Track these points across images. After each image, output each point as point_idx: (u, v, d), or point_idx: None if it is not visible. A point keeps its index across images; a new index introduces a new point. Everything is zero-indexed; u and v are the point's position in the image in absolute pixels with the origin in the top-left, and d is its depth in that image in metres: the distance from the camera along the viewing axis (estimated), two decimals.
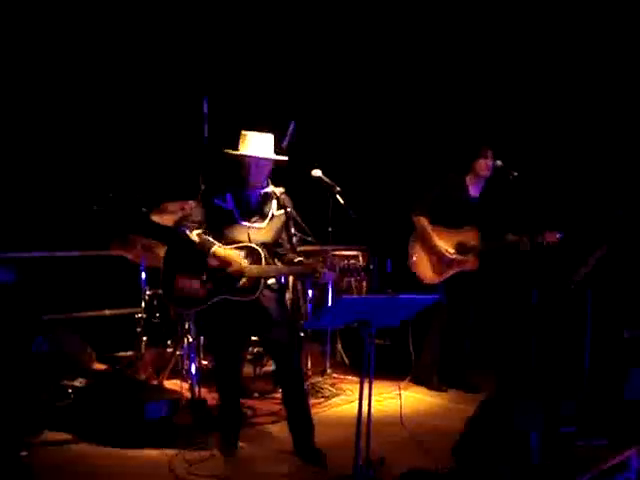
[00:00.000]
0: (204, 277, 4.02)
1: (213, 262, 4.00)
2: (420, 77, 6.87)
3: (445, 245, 5.43)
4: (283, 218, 4.17)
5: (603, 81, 5.99)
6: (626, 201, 5.35)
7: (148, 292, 5.37)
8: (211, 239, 4.03)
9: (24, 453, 3.89)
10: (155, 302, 5.45)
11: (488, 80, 6.53)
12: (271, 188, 4.17)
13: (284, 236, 4.19)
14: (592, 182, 5.93)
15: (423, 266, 5.49)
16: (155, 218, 5.19)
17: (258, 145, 4.10)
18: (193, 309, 4.21)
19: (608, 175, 5.89)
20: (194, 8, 6.48)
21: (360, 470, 3.36)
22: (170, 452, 4.07)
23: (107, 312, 5.88)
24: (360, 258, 6.00)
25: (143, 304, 5.27)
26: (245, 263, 3.99)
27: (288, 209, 4.14)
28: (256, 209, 4.15)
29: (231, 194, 4.12)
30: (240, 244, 4.06)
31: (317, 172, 4.16)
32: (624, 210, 5.16)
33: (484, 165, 5.38)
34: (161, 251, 5.23)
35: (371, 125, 7.08)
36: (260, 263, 4.02)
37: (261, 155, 4.08)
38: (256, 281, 4.01)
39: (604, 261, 4.90)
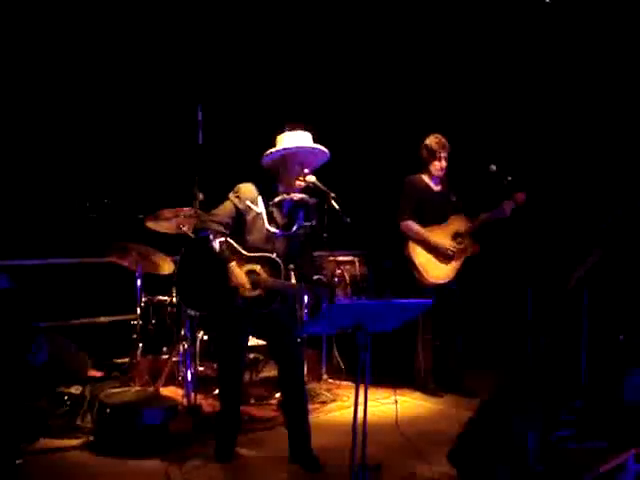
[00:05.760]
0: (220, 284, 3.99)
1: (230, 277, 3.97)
2: (407, 81, 6.91)
3: (443, 240, 5.47)
4: (308, 230, 4.16)
5: (597, 81, 6.01)
6: (623, 203, 5.36)
7: (144, 299, 5.36)
8: (235, 246, 4.00)
9: (19, 461, 3.88)
10: (151, 309, 5.45)
11: (476, 84, 6.57)
12: (303, 195, 4.14)
13: (306, 248, 4.19)
14: (589, 183, 5.95)
15: (430, 268, 5.49)
16: (151, 224, 5.19)
17: (298, 139, 4.04)
18: (206, 312, 4.19)
19: (606, 177, 5.90)
20: (189, 19, 6.50)
21: (356, 476, 3.35)
22: (167, 459, 4.07)
23: (103, 319, 5.88)
24: (356, 263, 6.01)
25: (139, 311, 5.26)
26: (250, 291, 3.95)
27: (314, 222, 4.14)
28: (284, 217, 4.13)
29: (264, 198, 4.09)
30: (262, 254, 4.03)
31: (311, 178, 4.16)
32: (622, 211, 5.17)
33: (438, 166, 5.52)
34: (157, 258, 5.25)
35: (364, 130, 7.09)
36: (279, 276, 3.98)
37: (303, 144, 4.02)
38: (272, 294, 3.98)
39: (601, 261, 4.91)
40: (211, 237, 3.98)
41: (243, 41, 6.77)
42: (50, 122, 6.09)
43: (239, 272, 3.95)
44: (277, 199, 4.10)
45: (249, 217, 4.06)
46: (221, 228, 4.02)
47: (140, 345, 5.24)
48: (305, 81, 6.94)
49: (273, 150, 4.06)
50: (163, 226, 5.17)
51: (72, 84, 6.15)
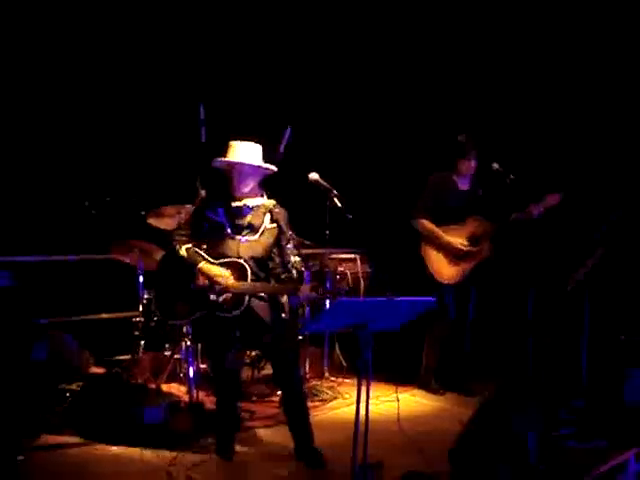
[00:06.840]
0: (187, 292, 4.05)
1: (200, 278, 4.02)
2: (411, 78, 6.89)
3: (455, 239, 5.44)
4: (275, 232, 4.14)
5: (601, 80, 6.00)
6: (625, 203, 5.36)
7: (146, 296, 5.36)
8: (201, 252, 4.06)
9: (21, 457, 3.88)
10: (152, 306, 5.43)
11: (480, 80, 6.55)
12: (263, 200, 4.16)
13: (275, 250, 4.17)
14: (591, 183, 5.94)
15: (441, 267, 5.46)
16: (152, 222, 5.19)
17: (242, 152, 4.08)
18: (179, 321, 4.25)
19: (607, 177, 5.89)
20: (191, 17, 6.50)
21: (358, 473, 3.35)
22: (168, 456, 4.07)
23: (105, 316, 5.88)
24: (358, 261, 6.00)
25: (141, 308, 5.26)
26: (232, 280, 3.98)
27: (281, 223, 4.13)
28: (248, 222, 4.13)
29: (223, 206, 4.12)
30: (227, 259, 4.05)
31: (314, 175, 4.17)
32: (623, 212, 5.16)
33: (468, 165, 5.47)
34: (159, 255, 5.25)
35: (366, 128, 7.08)
36: (245, 279, 3.99)
37: (244, 161, 4.05)
38: (240, 297, 3.99)
39: (602, 262, 4.90)
40: (176, 246, 4.07)
41: (246, 39, 6.76)
42: (52, 119, 6.09)
43: (210, 267, 4.00)
44: (234, 205, 4.12)
45: (211, 226, 4.10)
46: (186, 239, 4.09)
47: (142, 342, 5.24)
48: (304, 81, 6.93)
49: (218, 159, 4.11)
50: (165, 223, 5.18)
51: (75, 82, 6.15)
